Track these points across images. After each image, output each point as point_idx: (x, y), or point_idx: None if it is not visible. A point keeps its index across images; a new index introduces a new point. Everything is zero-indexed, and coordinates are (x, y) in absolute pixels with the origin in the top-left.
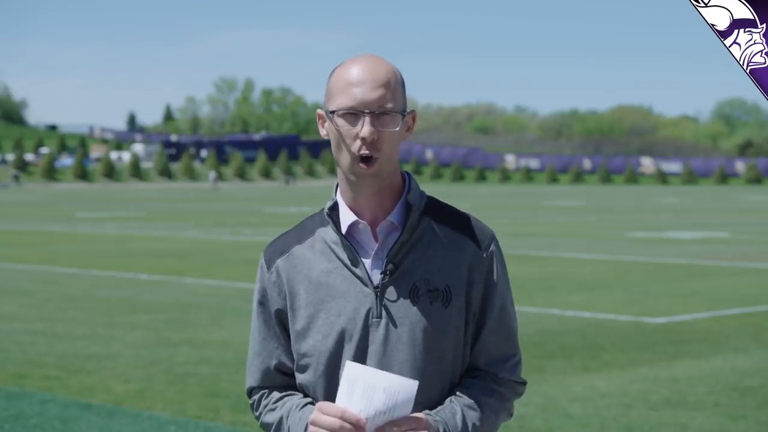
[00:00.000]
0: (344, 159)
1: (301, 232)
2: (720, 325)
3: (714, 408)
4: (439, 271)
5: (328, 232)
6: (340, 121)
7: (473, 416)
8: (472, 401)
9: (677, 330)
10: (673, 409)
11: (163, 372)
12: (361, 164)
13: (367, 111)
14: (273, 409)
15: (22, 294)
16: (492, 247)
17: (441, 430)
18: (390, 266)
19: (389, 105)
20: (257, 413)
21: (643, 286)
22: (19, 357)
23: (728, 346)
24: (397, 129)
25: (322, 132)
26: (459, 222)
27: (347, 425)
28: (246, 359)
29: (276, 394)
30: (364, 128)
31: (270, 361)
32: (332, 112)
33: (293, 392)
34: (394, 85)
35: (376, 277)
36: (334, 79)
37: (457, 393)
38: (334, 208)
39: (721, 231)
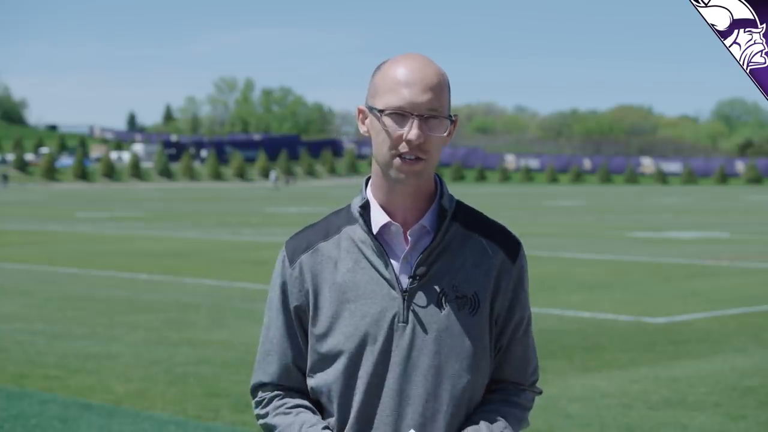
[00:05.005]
0: (387, 158)
1: (327, 228)
2: (720, 325)
3: (714, 408)
4: (468, 277)
5: (356, 231)
6: (388, 121)
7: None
8: (500, 418)
9: (677, 330)
10: (673, 409)
11: (163, 372)
12: (406, 162)
13: (415, 113)
14: (286, 414)
15: (22, 294)
16: (521, 258)
17: None
18: (420, 270)
19: (438, 109)
20: (264, 411)
21: (643, 286)
22: (19, 357)
23: (728, 346)
24: (444, 134)
25: (362, 128)
26: (489, 229)
27: None
28: (255, 355)
29: (290, 401)
30: (412, 131)
31: (287, 359)
32: (380, 111)
33: (307, 403)
34: (443, 89)
35: (404, 280)
36: (382, 75)
37: (483, 409)
38: (366, 206)
39: (721, 231)
